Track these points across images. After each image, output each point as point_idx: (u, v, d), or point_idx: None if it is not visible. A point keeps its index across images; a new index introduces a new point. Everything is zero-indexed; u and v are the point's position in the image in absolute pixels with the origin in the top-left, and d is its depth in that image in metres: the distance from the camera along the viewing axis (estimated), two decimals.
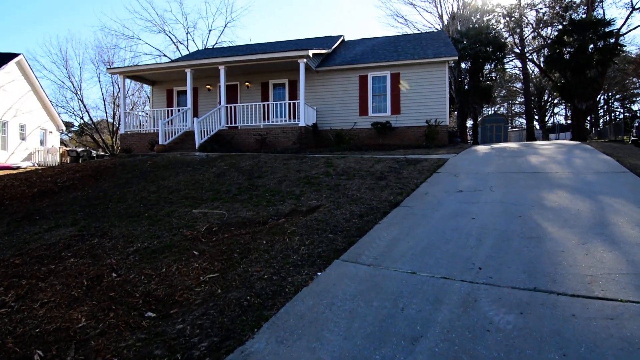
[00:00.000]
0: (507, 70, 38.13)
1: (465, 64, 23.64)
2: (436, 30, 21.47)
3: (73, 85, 34.77)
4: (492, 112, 53.18)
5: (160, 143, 13.40)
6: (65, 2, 59.05)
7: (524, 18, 30.60)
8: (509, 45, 29.72)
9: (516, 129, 39.50)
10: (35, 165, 22.46)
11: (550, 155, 8.50)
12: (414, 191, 5.82)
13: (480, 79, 24.24)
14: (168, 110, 15.84)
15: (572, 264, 2.98)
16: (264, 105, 14.43)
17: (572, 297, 2.50)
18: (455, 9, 26.63)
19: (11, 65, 22.41)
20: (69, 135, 42.49)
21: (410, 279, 2.95)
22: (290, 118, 14.06)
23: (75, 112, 37.15)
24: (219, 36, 38.71)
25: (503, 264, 3.09)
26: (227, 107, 14.47)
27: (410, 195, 5.59)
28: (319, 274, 3.24)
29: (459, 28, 25.73)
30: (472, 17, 27.80)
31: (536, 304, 2.44)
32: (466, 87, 22.83)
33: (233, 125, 14.46)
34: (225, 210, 5.51)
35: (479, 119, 33.25)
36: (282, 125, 13.96)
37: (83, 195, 7.20)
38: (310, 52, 13.25)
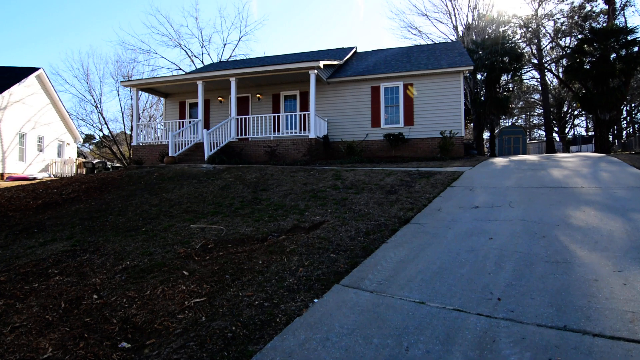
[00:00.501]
0: (525, 81, 37.38)
1: (481, 74, 23.18)
2: (451, 41, 21.14)
3: (93, 98, 35.87)
4: (510, 123, 52.11)
5: (170, 155, 13.38)
6: (86, 18, 61.56)
7: (542, 28, 30.01)
8: (526, 56, 29.09)
9: (535, 141, 38.40)
10: (52, 176, 22.96)
11: (573, 168, 7.96)
12: (425, 207, 5.43)
13: (498, 89, 23.68)
14: (179, 122, 15.90)
15: (608, 297, 2.55)
16: (274, 117, 14.31)
17: (611, 339, 2.09)
18: (470, 20, 26.33)
19: (31, 79, 23.16)
20: (90, 147, 43.66)
21: (417, 310, 2.58)
22: (301, 130, 13.90)
23: (95, 125, 38.10)
24: (233, 49, 39.31)
25: (526, 293, 2.69)
26: (237, 118, 14.41)
27: (421, 212, 5.20)
28: (315, 300, 2.89)
29: (474, 39, 25.35)
30: (488, 28, 27.40)
31: (567, 347, 2.04)
32: (482, 98, 22.29)
33: (243, 137, 14.38)
34: (224, 226, 5.24)
35: (496, 131, 32.49)
36: (292, 137, 13.77)
37: (85, 207, 7.07)
38: (321, 63, 13.11)
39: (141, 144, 16.16)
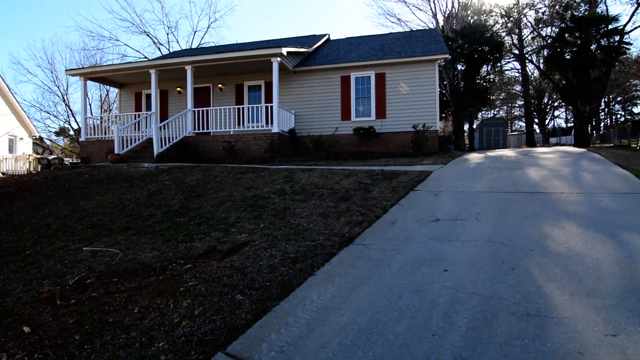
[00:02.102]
0: (506, 72, 37.04)
1: (460, 65, 22.42)
2: (428, 29, 20.24)
3: (59, 89, 33.65)
4: (492, 115, 52.17)
5: (115, 152, 12.07)
6: (47, 4, 57.93)
7: (523, 18, 29.46)
8: (507, 46, 28.54)
9: (516, 133, 38.23)
10: None
11: (553, 167, 7.17)
12: (379, 219, 4.49)
13: (477, 80, 23.01)
14: (133, 115, 14.51)
15: None
16: (236, 109, 13.14)
17: None
18: (449, 8, 25.47)
19: None
20: (64, 141, 40.99)
21: None
22: (266, 123, 12.81)
23: (60, 117, 35.80)
24: (202, 37, 37.52)
25: None
26: (194, 111, 13.17)
27: (372, 226, 4.26)
28: None
29: (454, 27, 24.54)
30: (469, 18, 26.65)
31: None
32: (462, 89, 21.57)
33: (204, 131, 13.14)
34: (125, 248, 4.17)
35: (477, 123, 32.01)
36: (254, 132, 12.67)
37: None
38: (284, 50, 11.97)
39: (90, 139, 14.73)
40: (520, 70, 32.92)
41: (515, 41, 29.83)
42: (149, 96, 16.37)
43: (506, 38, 28.68)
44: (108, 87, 30.68)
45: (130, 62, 14.18)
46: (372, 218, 4.50)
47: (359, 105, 13.63)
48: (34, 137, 28.01)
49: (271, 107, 12.45)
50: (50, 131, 36.73)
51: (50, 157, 23.67)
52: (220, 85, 15.21)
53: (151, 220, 5.19)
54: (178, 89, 15.44)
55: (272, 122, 12.42)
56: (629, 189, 4.92)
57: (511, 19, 28.70)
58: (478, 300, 2.43)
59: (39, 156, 28.65)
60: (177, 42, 34.45)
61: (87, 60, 35.08)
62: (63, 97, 33.60)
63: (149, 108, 16.16)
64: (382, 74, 13.28)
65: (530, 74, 35.44)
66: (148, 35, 33.42)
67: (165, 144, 12.14)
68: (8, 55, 50.34)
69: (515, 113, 53.59)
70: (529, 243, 3.26)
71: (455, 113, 22.94)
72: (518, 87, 40.52)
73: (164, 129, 13.19)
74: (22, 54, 52.47)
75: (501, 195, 5.03)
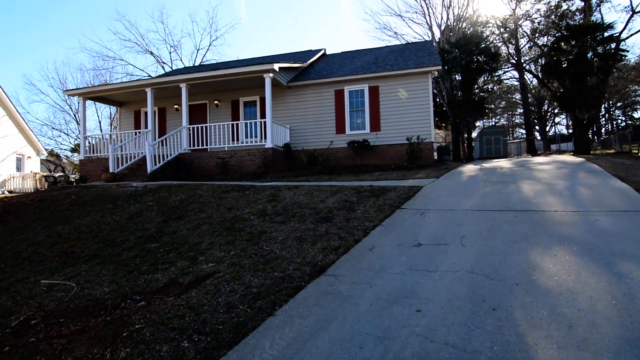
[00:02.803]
0: (505, 81, 36.90)
1: (458, 75, 22.28)
2: (422, 41, 20.17)
3: (71, 108, 34.05)
4: (493, 123, 51.90)
5: (110, 170, 11.92)
6: (56, 26, 59.16)
7: (519, 29, 29.45)
8: (504, 55, 28.43)
9: (517, 141, 37.82)
10: (6, 192, 21.07)
11: (548, 180, 6.82)
12: (358, 243, 4.17)
13: (475, 90, 22.82)
14: (129, 133, 14.41)
15: None
16: (231, 125, 12.98)
17: None
18: (445, 19, 25.48)
19: None
20: (76, 158, 41.14)
21: None
22: (261, 138, 12.62)
23: (71, 135, 35.95)
24: (204, 55, 37.83)
25: None
26: (189, 128, 13.03)
27: (349, 252, 3.94)
28: None
29: (450, 39, 24.49)
30: (466, 30, 26.64)
31: None
32: (459, 99, 21.36)
33: (200, 147, 12.96)
34: (84, 280, 3.89)
35: (476, 132, 31.70)
36: (248, 147, 12.47)
37: None
38: (276, 66, 11.84)
39: (90, 158, 14.64)
40: (518, 79, 32.74)
41: (512, 51, 29.76)
42: (146, 114, 16.30)
43: (503, 48, 28.62)
44: (83, 106, 31.03)
45: (126, 82, 14.17)
46: (350, 242, 4.19)
47: (354, 118, 13.42)
48: (42, 155, 28.15)
49: (263, 122, 12.29)
50: (62, 149, 36.97)
51: (57, 175, 23.68)
52: (216, 102, 15.12)
53: (122, 246, 4.91)
54: (175, 106, 15.36)
55: (264, 138, 12.23)
56: (628, 206, 4.57)
57: (507, 29, 28.67)
58: (450, 354, 2.10)
59: (45, 174, 28.73)
60: (181, 60, 34.87)
61: (97, 79, 35.46)
62: (74, 116, 34.10)
63: (147, 126, 16.06)
64: (376, 87, 13.10)
65: (529, 82, 35.25)
66: (152, 54, 33.86)
67: (160, 162, 11.96)
68: (22, 76, 51.25)
69: (517, 121, 53.30)
70: (515, 275, 2.93)
71: (453, 123, 22.69)
72: (518, 96, 40.31)
73: (161, 146, 13.05)
74: (35, 75, 53.53)
75: (491, 214, 4.70)
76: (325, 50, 18.96)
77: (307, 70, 15.25)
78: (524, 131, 48.78)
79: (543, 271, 2.94)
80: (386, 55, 15.60)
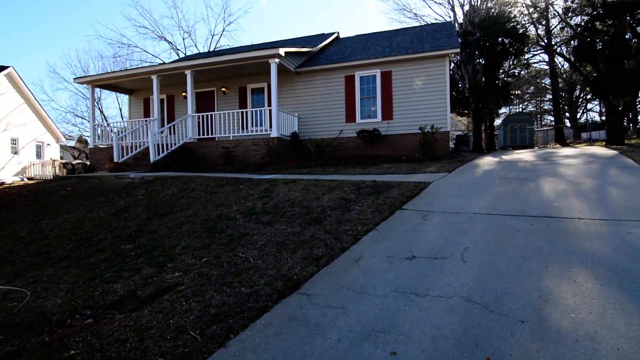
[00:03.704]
0: (535, 65, 34.82)
1: (480, 59, 20.97)
2: (441, 22, 18.95)
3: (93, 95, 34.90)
4: (520, 110, 49.54)
5: (114, 160, 11.81)
6: (80, 17, 60.07)
7: (550, 7, 27.39)
8: (533, 37, 26.59)
9: (545, 128, 35.78)
10: (25, 179, 21.65)
11: (574, 178, 6.04)
12: (344, 252, 3.67)
13: (498, 75, 21.48)
14: (136, 122, 14.27)
15: None
16: (235, 113, 12.57)
17: None
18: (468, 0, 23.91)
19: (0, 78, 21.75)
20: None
21: None
22: (270, 127, 12.17)
23: (99, 122, 36.89)
24: (218, 40, 37.43)
25: None
26: (194, 116, 12.72)
27: (331, 263, 3.45)
28: None
29: (474, 20, 23.03)
30: (492, 9, 24.98)
31: None
32: (481, 85, 20.13)
33: (205, 136, 12.65)
34: (41, 288, 3.57)
35: (502, 120, 30.10)
36: (253, 137, 12.05)
37: None
38: (282, 51, 11.25)
39: (99, 146, 14.66)
40: (548, 63, 30.70)
41: (542, 32, 27.79)
42: (158, 101, 16.08)
43: (531, 29, 26.72)
44: (97, 94, 31.56)
45: (131, 69, 13.95)
46: (336, 251, 3.70)
47: (365, 106, 12.73)
48: (61, 143, 28.81)
49: (268, 110, 11.81)
50: (86, 136, 37.89)
51: (75, 162, 24.16)
52: (223, 89, 14.73)
53: (97, 247, 4.61)
54: (183, 94, 15.04)
55: (270, 126, 11.77)
56: None
57: (538, 8, 26.72)
58: None
59: (64, 161, 29.48)
60: (196, 46, 34.58)
61: (116, 67, 35.84)
62: (97, 102, 34.95)
63: (161, 114, 15.85)
64: (389, 72, 12.31)
65: (559, 66, 33.07)
66: (166, 40, 33.70)
67: (164, 151, 11.74)
68: (45, 64, 52.73)
69: (545, 107, 50.63)
70: (521, 307, 2.36)
71: (474, 110, 21.51)
72: (548, 80, 38.01)
73: (170, 134, 12.85)
74: (59, 63, 54.87)
75: (502, 220, 4.07)
76: (338, 33, 18.12)
77: (317, 55, 14.56)
78: (552, 118, 46.39)
79: (557, 304, 2.35)
80: (401, 38, 14.67)
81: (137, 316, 2.85)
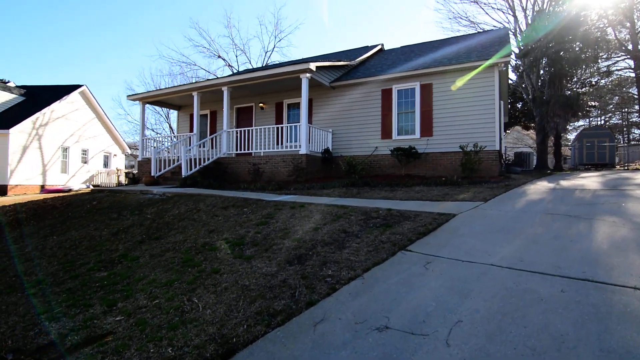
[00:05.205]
0: (617, 72, 30.78)
1: (543, 69, 18.82)
2: (495, 28, 17.31)
3: (162, 110, 38.39)
4: (601, 123, 44.18)
5: (151, 174, 12.27)
6: (146, 35, 66.60)
7: (636, 9, 23.97)
8: (613, 42, 23.38)
9: (625, 145, 31.10)
10: (90, 187, 23.82)
11: None
12: (308, 309, 2.99)
13: (567, 84, 19.07)
14: (178, 136, 14.85)
15: None
16: (270, 129, 12.46)
17: None
18: (532, 2, 21.74)
19: (74, 95, 24.41)
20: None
21: None
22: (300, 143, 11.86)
23: (167, 134, 40.56)
24: (269, 56, 38.74)
25: None
26: (228, 132, 12.85)
27: (284, 325, 2.79)
28: None
29: (538, 25, 20.82)
30: (560, 12, 22.48)
31: None
32: (545, 96, 17.98)
33: (241, 151, 12.70)
34: None
35: (577, 134, 26.73)
36: (283, 153, 11.77)
37: None
38: (313, 65, 10.89)
39: (148, 159, 15.46)
40: (634, 69, 26.76)
41: (625, 36, 24.38)
42: (202, 117, 16.70)
43: (609, 31, 23.54)
44: (148, 110, 34.07)
45: (174, 86, 14.59)
46: (300, 305, 3.03)
47: (402, 121, 11.83)
48: (126, 154, 31.53)
49: (297, 126, 11.46)
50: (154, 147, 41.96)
51: (135, 172, 26.18)
52: (261, 105, 14.81)
53: (73, 272, 4.44)
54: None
55: (299, 143, 11.40)
56: None
57: (619, 8, 23.48)
58: None
59: (126, 170, 32.09)
60: (250, 62, 36.06)
61: (183, 82, 39.20)
62: (166, 116, 38.48)
63: (204, 129, 16.45)
64: (429, 84, 11.33)
65: None
66: (220, 57, 35.64)
67: (197, 166, 11.92)
68: (123, 82, 59.92)
69: (634, 119, 44.46)
70: None
71: (538, 124, 19.26)
72: (634, 90, 33.25)
73: (211, 147, 13.13)
74: (135, 81, 62.40)
75: (524, 279, 3.08)
76: (382, 45, 17.44)
77: (355, 69, 14.03)
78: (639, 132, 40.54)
79: None
80: (449, 47, 13.56)
81: None
